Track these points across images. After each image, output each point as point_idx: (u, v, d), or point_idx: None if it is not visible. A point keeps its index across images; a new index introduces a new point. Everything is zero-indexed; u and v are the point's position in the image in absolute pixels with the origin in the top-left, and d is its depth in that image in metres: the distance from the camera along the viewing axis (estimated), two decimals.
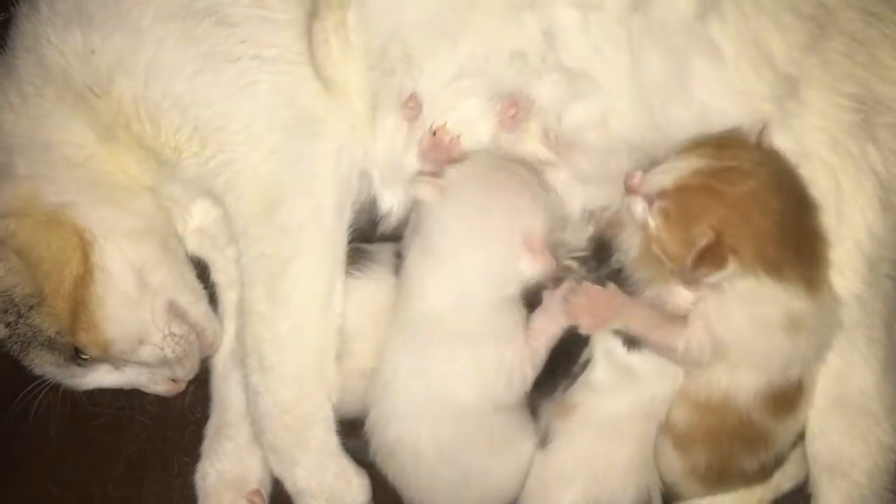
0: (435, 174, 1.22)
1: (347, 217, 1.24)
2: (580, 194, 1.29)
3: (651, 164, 1.18)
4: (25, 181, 1.24)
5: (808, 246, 1.14)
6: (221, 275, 1.42)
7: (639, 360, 1.19)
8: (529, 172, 1.23)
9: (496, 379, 1.17)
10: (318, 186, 1.21)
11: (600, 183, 1.27)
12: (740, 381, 1.15)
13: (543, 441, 1.21)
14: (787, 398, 1.17)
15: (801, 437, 1.23)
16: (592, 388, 1.21)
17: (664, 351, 1.17)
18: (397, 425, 1.19)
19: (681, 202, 1.11)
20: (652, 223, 1.12)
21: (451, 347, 1.17)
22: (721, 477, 1.20)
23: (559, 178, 1.28)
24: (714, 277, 1.09)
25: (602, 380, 1.21)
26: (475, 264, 1.17)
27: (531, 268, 1.16)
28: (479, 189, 1.19)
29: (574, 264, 1.25)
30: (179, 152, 1.23)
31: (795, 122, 1.21)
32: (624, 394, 1.20)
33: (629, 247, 1.20)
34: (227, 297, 1.41)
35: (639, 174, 1.15)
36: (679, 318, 1.16)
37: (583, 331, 1.19)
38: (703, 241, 1.07)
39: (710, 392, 1.17)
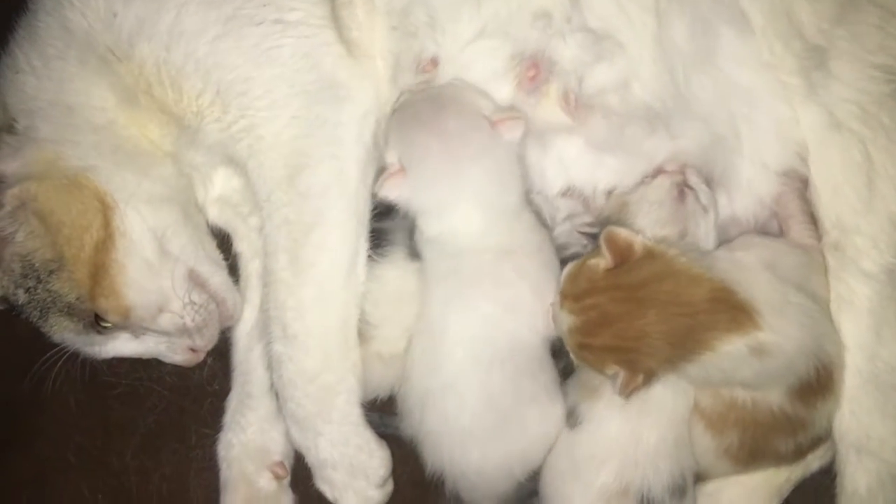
0: (382, 169, 1.23)
1: (371, 183, 1.22)
2: (593, 163, 1.26)
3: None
4: (47, 144, 1.23)
5: (714, 309, 1.10)
6: (245, 244, 1.40)
7: None
8: (443, 86, 1.24)
9: (540, 292, 1.18)
10: (342, 152, 1.20)
11: (614, 152, 1.25)
12: (759, 394, 1.14)
13: (572, 422, 1.19)
14: (818, 386, 1.15)
15: None
16: None
17: None
18: (448, 370, 1.17)
19: (580, 356, 1.16)
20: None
21: (496, 274, 1.18)
22: (754, 456, 1.19)
23: (573, 145, 1.25)
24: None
25: None
26: (480, 176, 1.19)
27: (514, 131, 1.20)
28: (426, 135, 1.19)
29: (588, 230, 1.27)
30: (201, 117, 1.22)
31: (823, 93, 1.20)
32: None
33: (637, 230, 1.20)
34: (251, 268, 1.39)
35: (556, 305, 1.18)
36: None
37: None
38: (618, 381, 1.10)
39: (733, 396, 1.16)
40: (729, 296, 1.10)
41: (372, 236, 1.24)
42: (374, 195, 1.22)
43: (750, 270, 1.14)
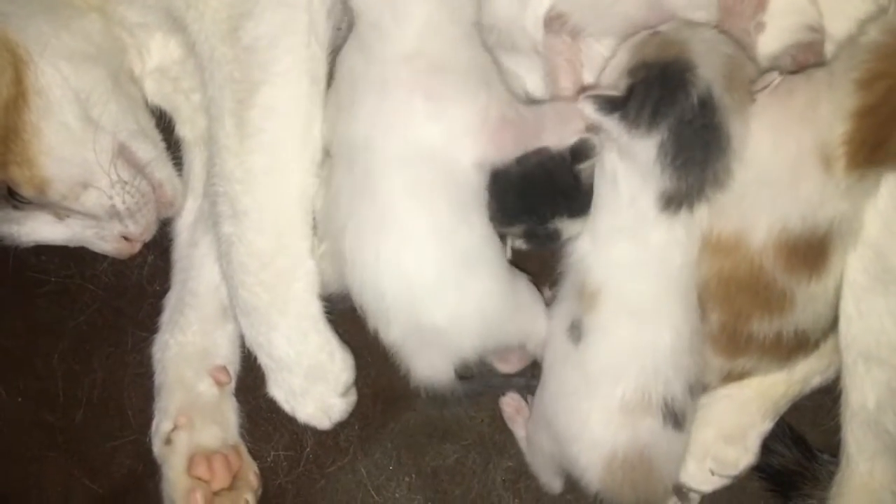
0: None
1: (327, 36, 1.07)
2: None
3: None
4: None
5: None
6: (188, 127, 1.26)
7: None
8: None
9: (477, 118, 1.02)
10: None
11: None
12: (751, 219, 1.03)
13: (575, 336, 1.06)
14: (806, 254, 1.03)
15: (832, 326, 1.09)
16: (616, 265, 1.06)
17: None
18: (384, 203, 1.02)
19: None
20: None
21: (429, 86, 1.01)
22: (734, 341, 1.07)
23: None
24: None
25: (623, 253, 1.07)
26: None
27: None
28: None
29: None
30: None
31: None
32: (649, 268, 1.05)
33: None
34: (195, 154, 1.26)
35: None
36: None
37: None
38: None
39: (721, 228, 1.04)
40: None
41: None
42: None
43: None
